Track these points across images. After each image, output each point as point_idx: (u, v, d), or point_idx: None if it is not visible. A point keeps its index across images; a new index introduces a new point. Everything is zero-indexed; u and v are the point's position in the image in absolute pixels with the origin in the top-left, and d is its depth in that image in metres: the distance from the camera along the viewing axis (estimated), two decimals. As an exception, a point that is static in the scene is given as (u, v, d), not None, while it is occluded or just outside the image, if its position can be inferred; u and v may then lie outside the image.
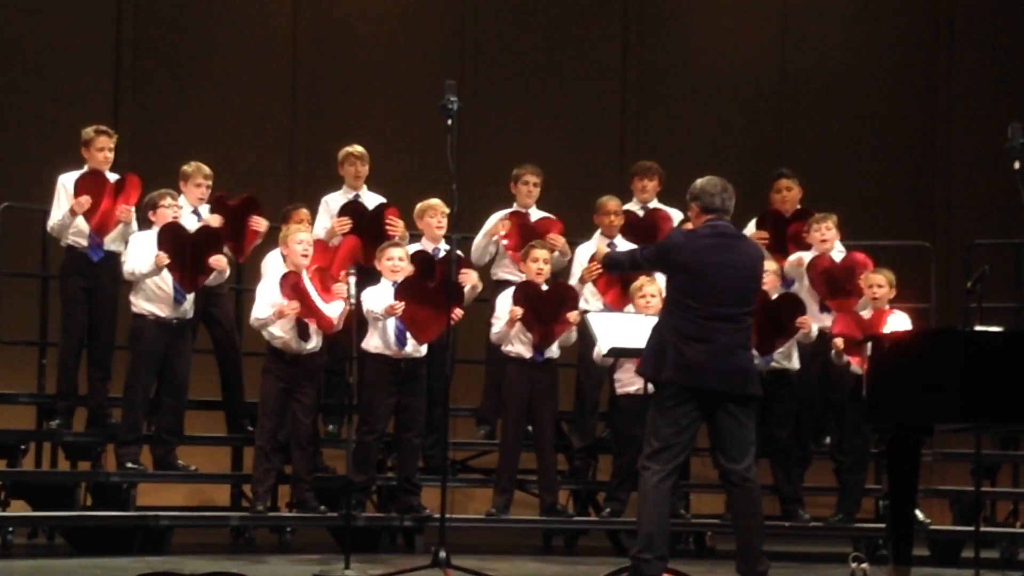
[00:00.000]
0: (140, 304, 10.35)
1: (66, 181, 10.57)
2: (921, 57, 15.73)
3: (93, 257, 10.50)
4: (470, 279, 10.77)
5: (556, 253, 11.02)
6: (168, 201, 10.40)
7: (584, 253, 11.17)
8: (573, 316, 10.65)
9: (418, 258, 10.61)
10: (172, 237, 10.30)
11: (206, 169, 10.88)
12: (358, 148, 11.26)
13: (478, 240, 11.28)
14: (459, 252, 10.17)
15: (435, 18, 15.33)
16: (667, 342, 7.86)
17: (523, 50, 15.30)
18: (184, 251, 10.33)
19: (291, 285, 10.31)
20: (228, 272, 10.65)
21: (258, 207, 11.00)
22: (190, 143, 13.54)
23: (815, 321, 10.83)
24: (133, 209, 10.55)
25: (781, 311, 10.65)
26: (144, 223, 10.51)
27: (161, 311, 10.34)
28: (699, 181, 8.08)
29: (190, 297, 10.48)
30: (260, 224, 10.93)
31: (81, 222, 10.48)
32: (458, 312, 10.24)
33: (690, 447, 7.94)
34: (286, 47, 14.96)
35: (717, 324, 7.78)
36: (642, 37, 15.51)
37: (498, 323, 10.73)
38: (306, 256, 10.41)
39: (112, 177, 10.63)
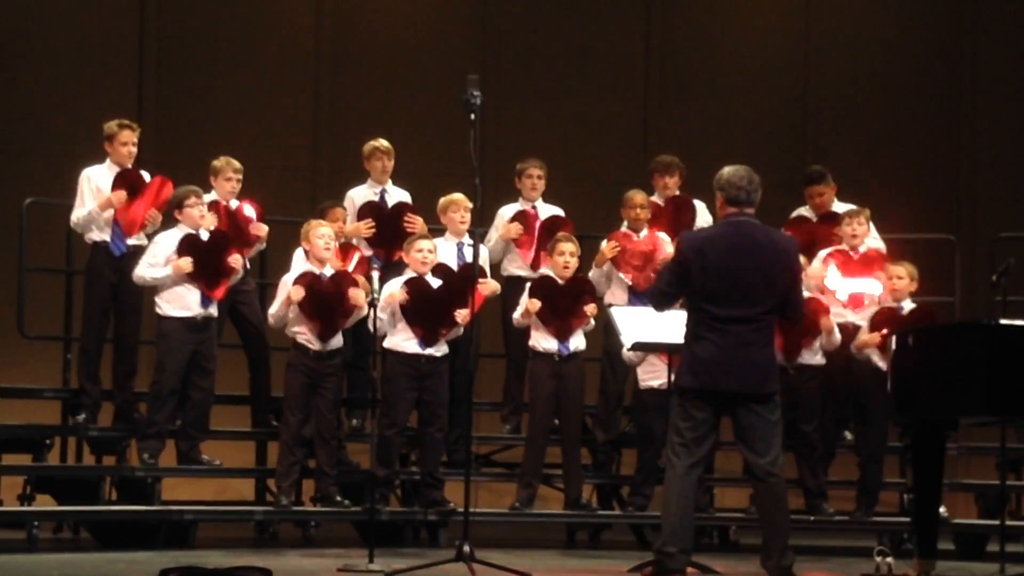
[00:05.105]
0: (164, 308, 10.34)
1: (91, 175, 10.58)
2: (946, 50, 15.67)
3: (115, 251, 10.52)
4: (488, 288, 10.74)
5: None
6: (193, 200, 10.37)
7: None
8: (590, 309, 10.64)
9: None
10: (191, 248, 10.28)
11: (236, 163, 10.88)
12: (383, 143, 11.26)
13: (492, 244, 11.26)
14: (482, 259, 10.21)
15: (458, 11, 15.33)
16: (687, 343, 7.86)
17: (546, 44, 15.29)
18: (204, 259, 10.32)
19: (306, 285, 10.32)
20: (242, 272, 10.60)
21: (258, 214, 10.92)
22: (213, 137, 13.56)
23: (838, 316, 10.80)
24: (160, 216, 10.55)
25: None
26: (169, 220, 10.51)
27: (187, 312, 10.34)
28: (725, 170, 8.00)
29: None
30: (260, 229, 10.87)
31: (105, 214, 10.50)
32: (464, 315, 10.24)
33: (711, 440, 7.92)
34: (309, 41, 14.98)
35: (732, 325, 7.74)
36: (665, 29, 15.49)
37: (520, 309, 10.74)
38: (328, 250, 10.41)
39: (145, 176, 10.66)
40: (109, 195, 10.42)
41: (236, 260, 10.43)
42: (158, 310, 10.37)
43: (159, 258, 10.31)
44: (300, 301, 10.27)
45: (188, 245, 10.27)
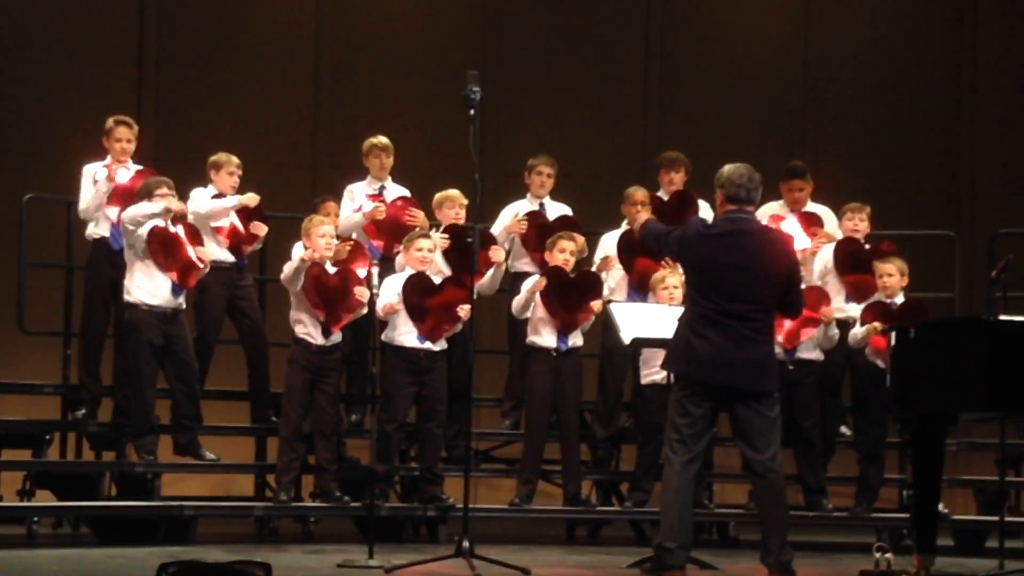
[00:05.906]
0: (134, 294, 10.26)
1: (91, 171, 10.60)
2: (946, 45, 15.66)
3: (115, 247, 10.52)
4: (497, 256, 10.73)
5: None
6: (165, 190, 10.29)
7: (609, 241, 11.17)
8: (596, 305, 10.65)
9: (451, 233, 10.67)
10: (159, 242, 10.24)
11: (236, 159, 10.88)
12: (383, 139, 11.25)
13: (497, 233, 11.26)
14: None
15: (457, 9, 15.33)
16: (683, 334, 7.88)
17: (546, 40, 15.28)
18: (174, 251, 10.29)
19: (313, 277, 10.32)
20: (209, 267, 10.58)
21: (259, 213, 10.96)
22: (213, 133, 13.56)
23: (839, 311, 10.82)
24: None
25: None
26: None
27: (155, 301, 10.27)
28: (726, 168, 8.03)
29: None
30: (260, 228, 10.88)
31: (108, 212, 10.51)
32: (465, 309, 10.24)
33: (707, 436, 7.94)
34: (309, 37, 14.97)
35: (728, 321, 7.75)
36: (665, 26, 15.48)
37: (523, 293, 10.73)
38: (329, 249, 10.41)
39: (135, 168, 10.67)
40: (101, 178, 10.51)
41: (204, 253, 10.41)
42: (127, 296, 10.26)
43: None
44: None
45: (157, 238, 10.24)
